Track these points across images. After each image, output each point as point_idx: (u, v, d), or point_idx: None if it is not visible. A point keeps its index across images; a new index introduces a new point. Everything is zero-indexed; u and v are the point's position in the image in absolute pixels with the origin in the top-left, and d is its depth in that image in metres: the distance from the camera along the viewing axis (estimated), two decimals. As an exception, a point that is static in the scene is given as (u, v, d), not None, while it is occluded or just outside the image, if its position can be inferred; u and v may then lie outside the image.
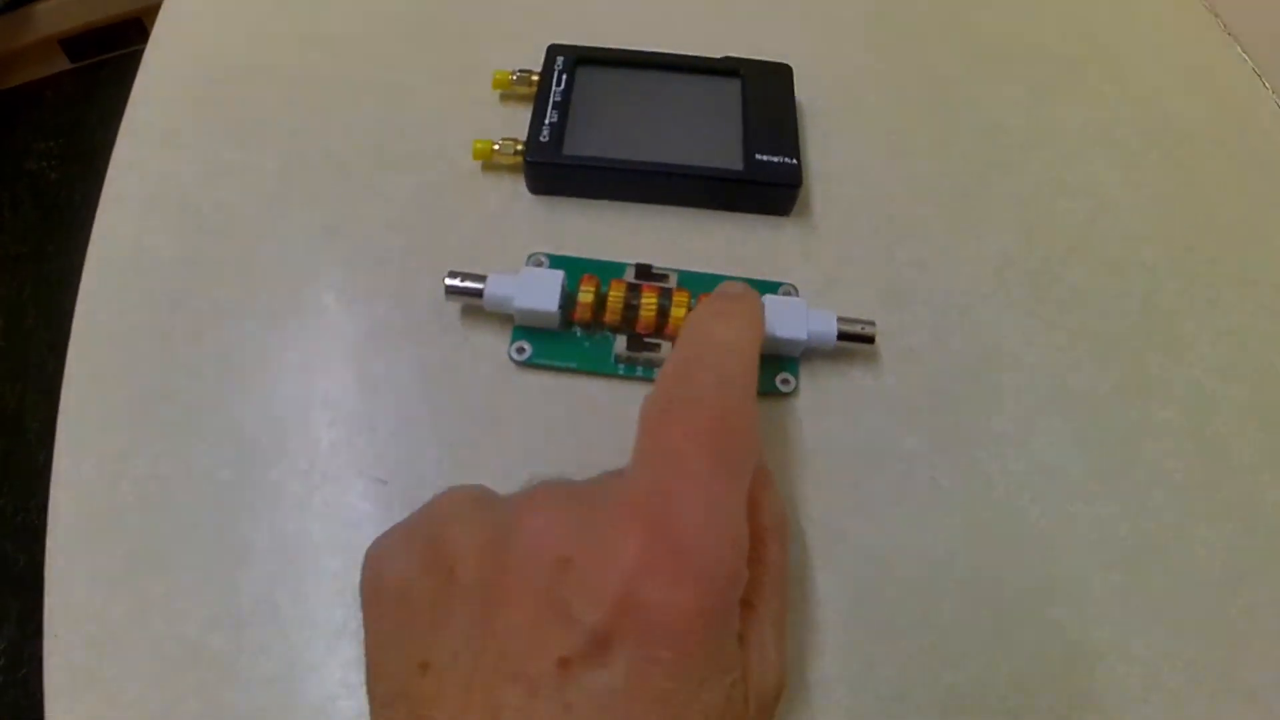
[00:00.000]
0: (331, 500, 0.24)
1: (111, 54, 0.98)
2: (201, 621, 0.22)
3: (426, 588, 0.17)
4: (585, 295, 0.24)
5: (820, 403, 0.25)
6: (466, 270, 0.25)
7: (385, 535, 0.19)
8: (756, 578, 0.18)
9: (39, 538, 0.23)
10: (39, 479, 0.24)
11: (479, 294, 0.25)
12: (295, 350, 0.26)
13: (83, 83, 0.99)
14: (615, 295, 0.24)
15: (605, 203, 0.28)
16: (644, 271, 0.25)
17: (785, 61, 0.30)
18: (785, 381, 0.25)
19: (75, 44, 0.98)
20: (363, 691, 0.22)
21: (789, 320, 0.24)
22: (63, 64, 0.99)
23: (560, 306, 0.25)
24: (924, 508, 0.24)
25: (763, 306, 0.22)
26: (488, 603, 0.16)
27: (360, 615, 0.19)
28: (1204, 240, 0.30)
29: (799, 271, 0.27)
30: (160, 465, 0.24)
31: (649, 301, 0.24)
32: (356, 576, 0.23)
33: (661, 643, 0.15)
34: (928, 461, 0.25)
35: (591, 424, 0.25)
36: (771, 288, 0.26)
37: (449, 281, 0.25)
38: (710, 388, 0.18)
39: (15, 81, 0.96)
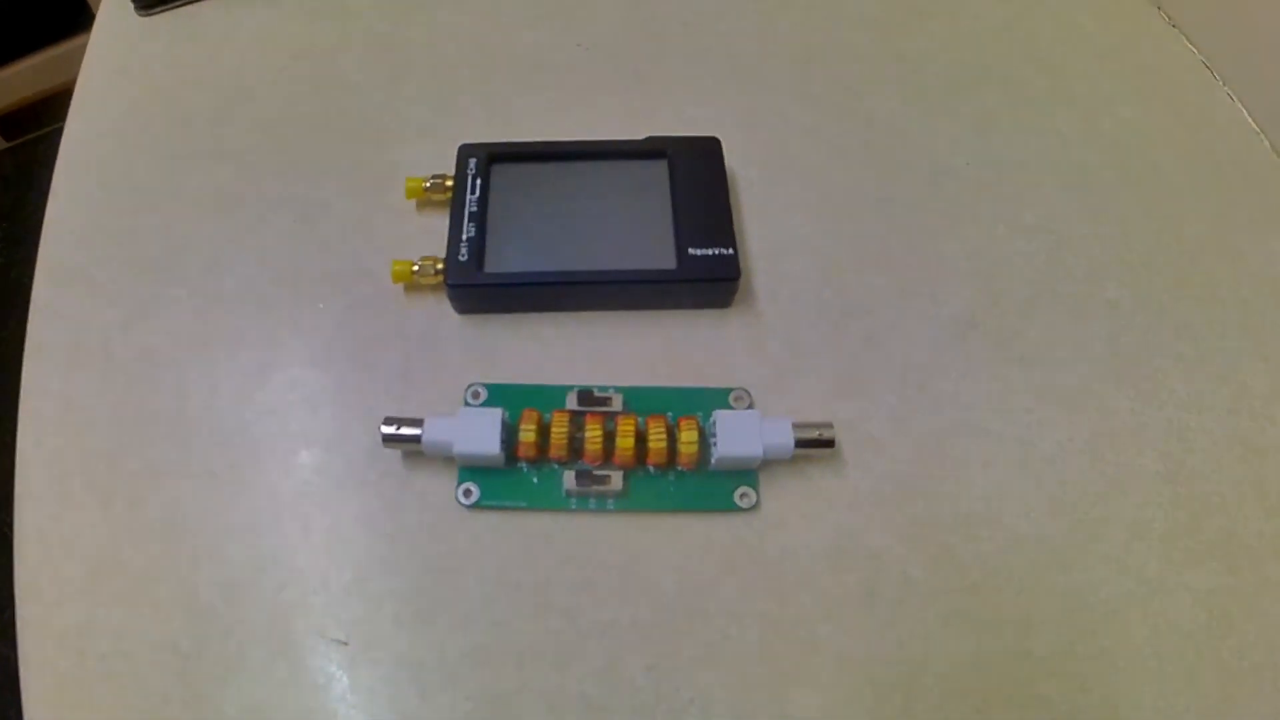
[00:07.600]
0: (295, 665, 0.23)
1: (47, 128, 0.96)
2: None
3: None
4: (527, 433, 0.23)
5: (783, 511, 0.24)
6: (401, 416, 0.24)
7: None
8: None
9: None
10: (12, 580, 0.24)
11: (417, 440, 0.24)
12: (237, 510, 0.25)
13: (20, 161, 0.97)
14: (559, 430, 0.23)
15: (538, 314, 0.27)
16: (586, 396, 0.24)
17: (712, 134, 0.29)
18: (745, 496, 0.24)
19: (8, 123, 0.95)
20: None
21: (743, 437, 0.23)
22: (-1, 145, 0.97)
23: (503, 443, 0.23)
24: (897, 605, 0.23)
25: None
26: None
27: None
28: (1168, 259, 0.29)
29: (747, 368, 0.26)
30: (122, 640, 0.23)
31: (594, 434, 0.23)
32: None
33: None
34: (896, 556, 0.24)
35: (547, 561, 0.24)
36: (722, 395, 0.25)
37: (385, 429, 0.24)
38: None
39: (-49, 169, 0.94)
